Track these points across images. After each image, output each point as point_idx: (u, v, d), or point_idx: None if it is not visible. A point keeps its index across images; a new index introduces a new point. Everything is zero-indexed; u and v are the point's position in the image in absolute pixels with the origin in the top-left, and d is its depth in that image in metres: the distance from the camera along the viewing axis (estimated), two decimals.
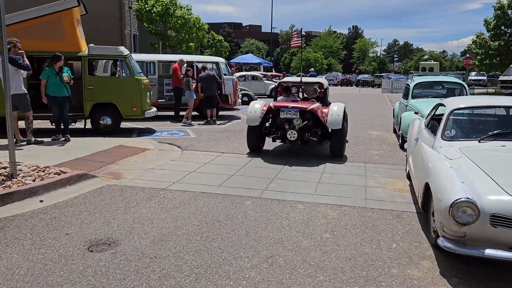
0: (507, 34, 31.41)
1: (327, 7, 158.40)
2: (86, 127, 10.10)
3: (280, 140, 7.99)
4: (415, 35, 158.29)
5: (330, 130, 7.74)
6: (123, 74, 9.75)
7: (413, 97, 9.59)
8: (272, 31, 60.75)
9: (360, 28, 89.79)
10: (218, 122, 12.50)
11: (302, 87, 9.76)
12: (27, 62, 7.94)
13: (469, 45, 34.37)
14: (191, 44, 27.83)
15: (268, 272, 3.37)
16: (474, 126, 5.01)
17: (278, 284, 3.20)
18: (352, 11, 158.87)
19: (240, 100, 15.05)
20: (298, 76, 11.12)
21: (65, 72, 8.58)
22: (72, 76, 8.80)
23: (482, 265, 3.49)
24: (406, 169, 6.43)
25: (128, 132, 10.27)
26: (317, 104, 7.88)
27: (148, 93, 10.14)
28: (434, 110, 5.71)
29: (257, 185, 5.88)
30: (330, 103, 8.41)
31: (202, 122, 12.26)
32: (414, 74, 11.43)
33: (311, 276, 3.32)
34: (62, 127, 8.73)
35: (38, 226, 4.24)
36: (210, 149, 8.45)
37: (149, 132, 10.52)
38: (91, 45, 9.72)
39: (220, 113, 13.68)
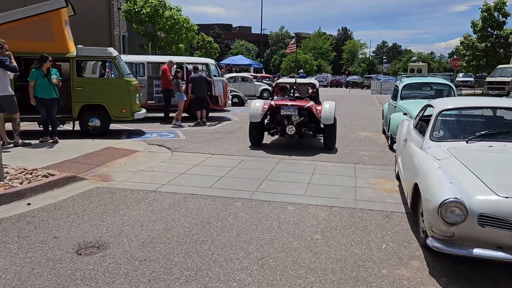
0: (494, 36, 31.91)
1: (316, 9, 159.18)
2: (74, 129, 10.01)
3: (279, 135, 8.72)
4: (403, 37, 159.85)
5: (322, 125, 8.62)
6: (112, 75, 9.68)
7: (402, 98, 9.67)
8: (262, 33, 60.87)
9: (349, 30, 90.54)
10: (208, 123, 12.47)
11: (295, 87, 10.34)
12: (14, 63, 7.83)
13: (456, 47, 34.81)
14: (180, 45, 27.74)
15: (259, 274, 3.36)
16: (462, 127, 5.07)
17: (268, 285, 3.19)
18: (342, 12, 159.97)
19: (230, 102, 15.03)
20: (291, 77, 12.03)
21: (53, 73, 8.49)
22: (60, 78, 8.71)
23: (471, 265, 3.52)
24: (395, 170, 6.48)
25: (117, 134, 10.19)
26: (312, 103, 8.85)
27: (137, 95, 10.07)
28: (423, 111, 5.77)
29: (248, 186, 5.87)
30: (321, 102, 9.21)
31: (192, 124, 12.22)
32: (403, 76, 11.53)
33: (301, 277, 3.32)
34: (50, 129, 8.64)
35: (26, 229, 4.19)
36: (200, 150, 8.43)
37: (138, 133, 10.46)
38: (79, 46, 9.64)
39: (210, 114, 13.65)
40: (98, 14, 25.67)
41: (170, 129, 11.39)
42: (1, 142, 6.10)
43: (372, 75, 55.26)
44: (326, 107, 8.51)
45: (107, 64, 9.84)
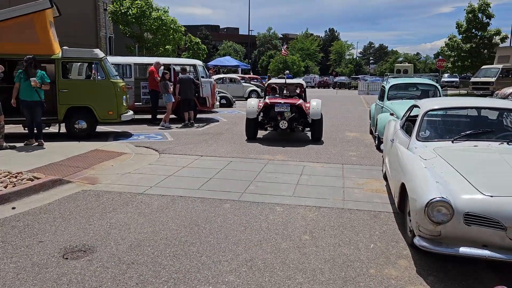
0: (478, 37, 32.42)
1: (304, 10, 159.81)
2: (60, 131, 9.88)
3: (273, 129, 9.96)
4: (390, 38, 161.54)
5: (310, 120, 9.66)
6: (99, 77, 9.58)
7: (388, 99, 9.76)
8: (250, 34, 60.85)
9: (336, 31, 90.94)
10: (196, 125, 12.43)
11: (285, 87, 10.99)
12: None
13: (442, 48, 35.27)
14: (168, 46, 27.62)
15: (248, 276, 3.35)
16: (447, 127, 5.13)
17: (257, 287, 3.19)
18: (329, 14, 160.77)
19: (218, 103, 14.99)
20: (281, 78, 13.74)
21: (38, 76, 8.27)
22: (48, 81, 8.50)
23: (458, 263, 3.56)
24: (382, 170, 6.53)
25: (104, 136, 10.09)
26: (301, 100, 9.99)
27: (124, 96, 9.99)
28: (409, 112, 5.82)
29: (236, 188, 5.86)
30: (307, 100, 10.27)
31: (180, 125, 12.16)
32: (389, 76, 11.64)
33: (290, 278, 3.32)
34: (35, 131, 8.51)
35: (10, 234, 4.12)
36: (188, 152, 8.39)
37: (125, 135, 10.37)
38: (65, 47, 9.52)
39: (198, 116, 13.59)
40: (84, 15, 25.39)
41: (157, 131, 11.31)
42: None
43: (359, 76, 55.63)
44: (314, 105, 9.62)
45: (93, 65, 9.75)
